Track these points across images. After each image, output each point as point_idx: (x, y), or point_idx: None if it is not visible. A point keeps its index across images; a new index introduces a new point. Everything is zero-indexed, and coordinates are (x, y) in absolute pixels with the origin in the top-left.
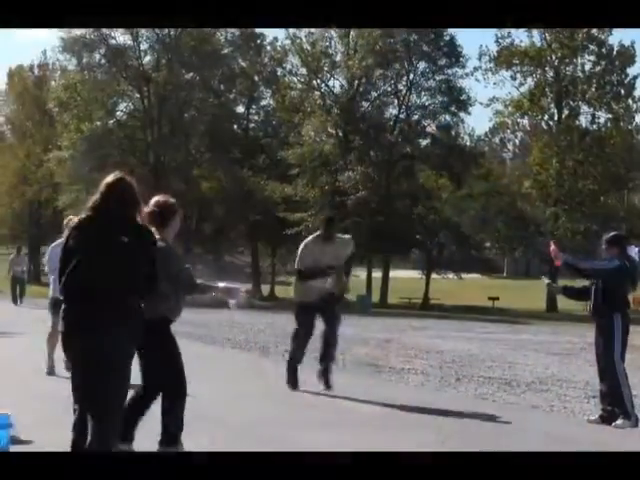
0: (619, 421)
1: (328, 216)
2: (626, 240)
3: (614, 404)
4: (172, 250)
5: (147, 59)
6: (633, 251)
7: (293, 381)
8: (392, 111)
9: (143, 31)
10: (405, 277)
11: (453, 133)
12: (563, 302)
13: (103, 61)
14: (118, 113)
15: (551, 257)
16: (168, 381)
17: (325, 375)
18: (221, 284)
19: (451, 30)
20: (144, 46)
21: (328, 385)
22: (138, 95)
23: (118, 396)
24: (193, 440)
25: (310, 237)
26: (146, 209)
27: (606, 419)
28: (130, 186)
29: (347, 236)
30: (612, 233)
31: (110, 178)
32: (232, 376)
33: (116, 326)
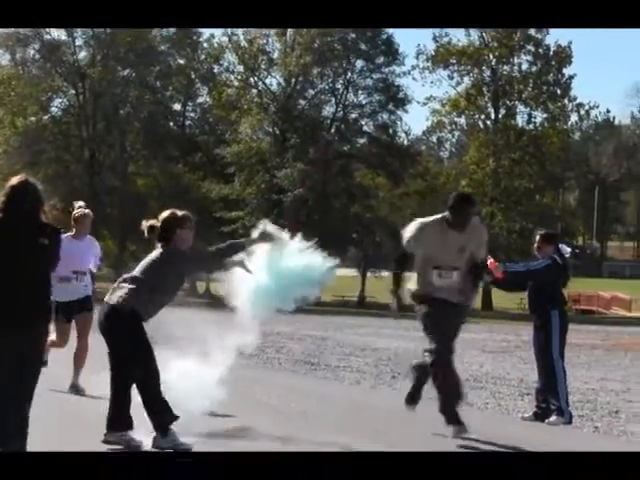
0: (552, 418)
1: (461, 194)
2: (558, 238)
3: (549, 401)
4: (177, 251)
5: (82, 55)
6: (565, 249)
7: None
8: (329, 109)
9: None
10: (341, 275)
11: (390, 132)
12: (498, 300)
13: (37, 56)
14: (53, 109)
15: (491, 271)
16: (139, 373)
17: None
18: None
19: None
20: (79, 42)
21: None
22: (73, 91)
23: (33, 390)
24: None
25: (429, 218)
26: (149, 222)
27: (540, 416)
28: (34, 187)
29: (478, 221)
30: (544, 231)
31: (14, 180)
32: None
33: (36, 323)
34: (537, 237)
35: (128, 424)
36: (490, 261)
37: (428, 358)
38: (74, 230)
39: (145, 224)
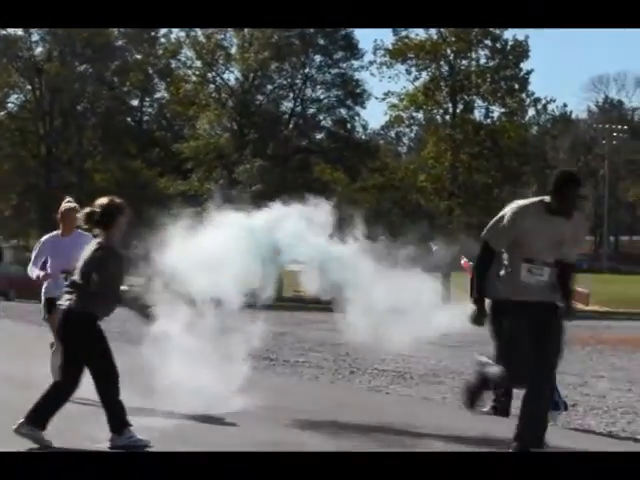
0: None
1: (566, 172)
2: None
3: (510, 395)
4: (112, 251)
5: (39, 50)
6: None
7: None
8: (288, 105)
9: None
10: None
11: (348, 127)
12: (458, 295)
13: None
14: (9, 105)
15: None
16: (97, 374)
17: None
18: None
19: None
20: (35, 37)
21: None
22: (30, 87)
23: None
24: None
25: (527, 201)
26: (87, 209)
27: (499, 410)
28: None
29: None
30: None
31: None
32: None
33: None
34: None
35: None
36: (464, 261)
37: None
38: (60, 227)
39: (81, 213)
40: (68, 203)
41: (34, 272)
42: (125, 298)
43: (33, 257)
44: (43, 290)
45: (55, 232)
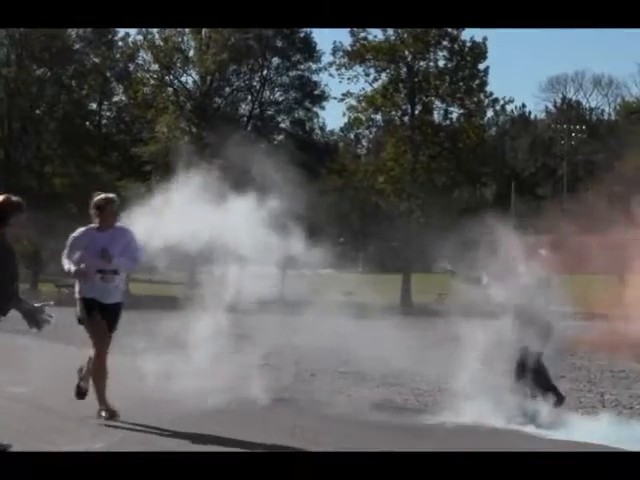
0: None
1: None
2: None
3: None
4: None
5: None
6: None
7: None
8: (246, 107)
9: None
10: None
11: (307, 128)
12: (418, 297)
13: None
14: None
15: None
16: None
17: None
18: (34, 305)
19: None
20: None
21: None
22: None
23: None
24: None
25: None
26: None
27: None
28: None
29: None
30: None
31: None
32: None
33: None
34: None
35: None
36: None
37: None
38: (97, 221)
39: None
40: (105, 194)
41: (68, 265)
42: (16, 300)
43: (66, 250)
44: (77, 289)
45: (91, 225)
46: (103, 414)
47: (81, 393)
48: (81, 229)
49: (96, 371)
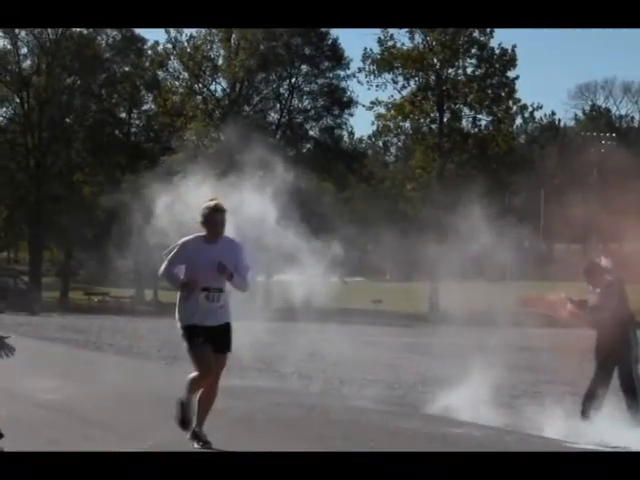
0: None
1: None
2: None
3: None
4: None
5: (27, 63)
6: None
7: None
8: (274, 115)
9: (23, 34)
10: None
11: (335, 136)
12: (445, 304)
13: None
14: None
15: None
16: None
17: None
18: None
19: (334, 32)
20: (23, 50)
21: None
22: (18, 100)
23: None
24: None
25: None
26: None
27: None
28: None
29: None
30: None
31: None
32: (117, 381)
33: None
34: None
35: None
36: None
37: None
38: (205, 230)
39: None
40: (214, 201)
41: (173, 278)
42: None
43: (169, 258)
44: (178, 312)
45: (198, 234)
46: (196, 445)
47: (186, 422)
48: (190, 236)
49: (204, 394)
